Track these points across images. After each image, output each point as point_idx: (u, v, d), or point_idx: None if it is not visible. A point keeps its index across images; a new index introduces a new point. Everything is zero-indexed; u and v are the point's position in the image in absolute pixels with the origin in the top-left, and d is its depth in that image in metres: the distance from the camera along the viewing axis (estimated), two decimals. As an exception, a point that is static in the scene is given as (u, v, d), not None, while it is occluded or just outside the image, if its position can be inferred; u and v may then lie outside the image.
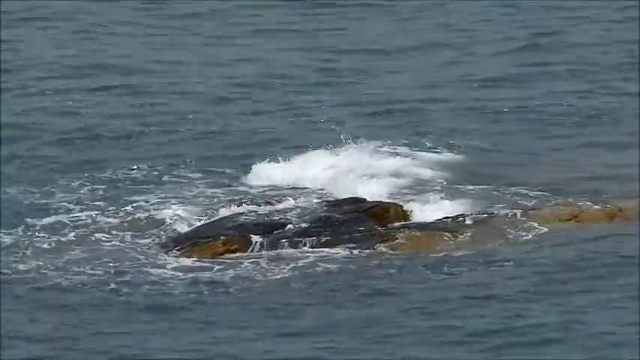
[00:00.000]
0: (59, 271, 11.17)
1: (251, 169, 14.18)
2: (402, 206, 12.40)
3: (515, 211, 12.29)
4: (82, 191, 13.57)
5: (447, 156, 14.43)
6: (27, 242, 11.79)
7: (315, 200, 12.77)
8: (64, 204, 12.97)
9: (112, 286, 10.73)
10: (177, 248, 11.64)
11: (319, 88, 17.98)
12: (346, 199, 12.61)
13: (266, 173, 13.95)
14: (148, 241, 11.98)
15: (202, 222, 12.43)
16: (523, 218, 12.19)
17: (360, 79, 18.44)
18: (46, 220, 12.50)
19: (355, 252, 11.71)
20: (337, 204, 12.55)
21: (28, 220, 12.39)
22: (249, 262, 11.48)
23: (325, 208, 12.47)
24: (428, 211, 12.40)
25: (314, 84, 18.12)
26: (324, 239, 11.82)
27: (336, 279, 11.01)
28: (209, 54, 19.99)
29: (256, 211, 12.51)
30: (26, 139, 15.61)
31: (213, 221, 12.38)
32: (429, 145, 14.98)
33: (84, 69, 18.91)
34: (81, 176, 13.97)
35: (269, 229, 12.04)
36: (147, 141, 15.47)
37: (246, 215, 12.43)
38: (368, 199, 12.58)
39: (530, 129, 15.97)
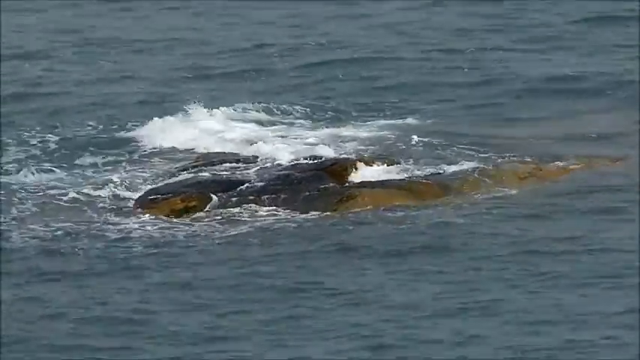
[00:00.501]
0: (16, 231, 11.02)
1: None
2: (356, 163, 12.51)
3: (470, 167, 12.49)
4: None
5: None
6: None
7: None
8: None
9: (70, 244, 10.68)
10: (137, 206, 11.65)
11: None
12: (305, 157, 12.69)
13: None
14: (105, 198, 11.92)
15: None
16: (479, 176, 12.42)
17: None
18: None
19: (314, 210, 11.78)
20: (296, 162, 12.62)
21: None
22: (207, 220, 11.52)
23: (284, 166, 12.55)
24: (379, 170, 12.54)
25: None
26: (282, 197, 11.90)
27: (293, 236, 11.10)
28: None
29: (214, 170, 12.51)
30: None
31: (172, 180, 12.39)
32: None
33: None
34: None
35: (228, 187, 12.08)
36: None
37: (203, 173, 12.43)
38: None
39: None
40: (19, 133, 14.14)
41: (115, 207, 11.76)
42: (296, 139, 13.74)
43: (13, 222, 11.34)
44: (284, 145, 13.34)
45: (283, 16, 19.48)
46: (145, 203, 11.67)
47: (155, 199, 11.72)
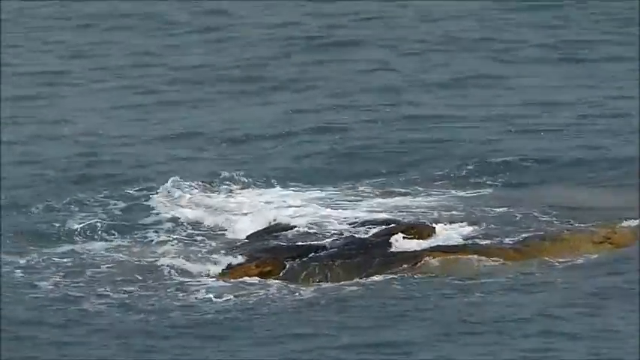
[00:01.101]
0: (86, 293, 11.12)
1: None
2: (433, 227, 12.53)
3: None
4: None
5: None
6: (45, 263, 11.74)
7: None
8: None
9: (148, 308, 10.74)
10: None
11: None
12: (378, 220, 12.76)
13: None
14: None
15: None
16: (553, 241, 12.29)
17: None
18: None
19: (384, 276, 11.74)
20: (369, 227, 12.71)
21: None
22: (282, 285, 11.58)
23: (356, 230, 12.63)
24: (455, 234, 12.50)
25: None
26: (356, 261, 11.93)
27: (364, 301, 11.00)
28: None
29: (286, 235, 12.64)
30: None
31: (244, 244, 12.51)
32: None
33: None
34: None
35: (301, 253, 12.17)
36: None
37: (276, 239, 12.56)
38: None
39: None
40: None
41: (184, 272, 11.84)
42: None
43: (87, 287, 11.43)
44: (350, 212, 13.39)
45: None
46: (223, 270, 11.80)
47: (230, 265, 11.85)
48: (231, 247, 12.39)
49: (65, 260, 11.92)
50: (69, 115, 17.73)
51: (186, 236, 12.84)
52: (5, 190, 14.09)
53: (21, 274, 11.46)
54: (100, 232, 12.91)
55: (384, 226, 12.61)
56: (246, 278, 11.59)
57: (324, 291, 11.39)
